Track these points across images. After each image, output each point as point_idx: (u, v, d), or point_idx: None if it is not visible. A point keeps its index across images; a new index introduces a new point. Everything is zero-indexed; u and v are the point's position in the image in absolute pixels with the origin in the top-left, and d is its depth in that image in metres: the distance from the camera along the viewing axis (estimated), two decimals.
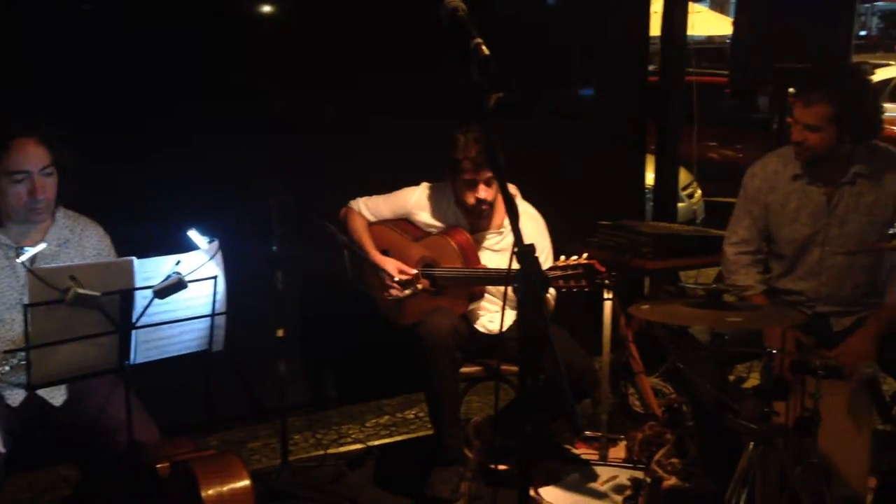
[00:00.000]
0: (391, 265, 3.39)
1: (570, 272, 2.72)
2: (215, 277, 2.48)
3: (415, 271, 3.36)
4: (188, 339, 2.50)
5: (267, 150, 3.70)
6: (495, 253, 3.35)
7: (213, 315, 2.50)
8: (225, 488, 2.60)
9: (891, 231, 2.63)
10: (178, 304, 2.41)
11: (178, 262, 2.36)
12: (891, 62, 12.62)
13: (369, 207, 3.51)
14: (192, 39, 3.57)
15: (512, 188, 3.38)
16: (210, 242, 2.53)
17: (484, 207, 3.26)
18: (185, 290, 2.35)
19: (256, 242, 3.27)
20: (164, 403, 3.05)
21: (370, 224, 3.51)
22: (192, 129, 3.56)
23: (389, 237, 3.47)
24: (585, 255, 2.77)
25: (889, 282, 2.98)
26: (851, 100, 2.90)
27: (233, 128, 3.63)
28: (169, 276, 2.32)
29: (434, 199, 3.42)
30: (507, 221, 3.30)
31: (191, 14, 3.57)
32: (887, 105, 10.40)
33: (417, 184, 3.48)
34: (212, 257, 2.47)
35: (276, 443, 3.69)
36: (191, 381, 3.65)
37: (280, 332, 3.32)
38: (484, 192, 3.22)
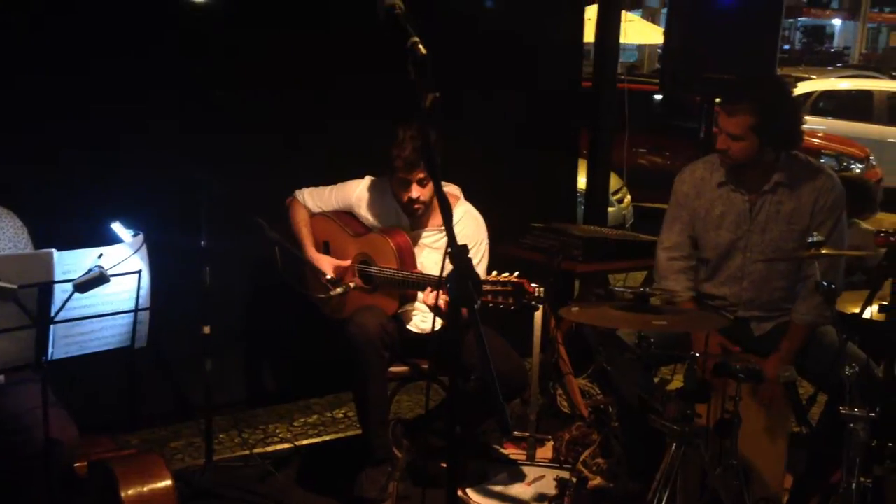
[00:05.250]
0: (326, 263, 3.36)
1: (499, 288, 2.72)
2: (139, 272, 2.42)
3: (347, 263, 3.34)
4: (110, 334, 2.43)
5: (198, 145, 3.62)
6: (434, 250, 3.35)
7: (136, 311, 2.44)
8: (145, 488, 2.54)
9: (809, 240, 2.69)
10: (99, 298, 2.34)
11: (100, 256, 2.30)
12: (812, 76, 13.07)
13: (314, 198, 3.49)
14: (125, 28, 3.47)
15: (456, 189, 3.39)
16: (134, 236, 2.47)
17: (416, 206, 3.25)
18: (108, 284, 2.29)
19: (184, 237, 3.20)
20: (84, 401, 2.95)
21: (313, 215, 3.48)
22: (120, 121, 3.46)
23: (331, 229, 3.45)
24: (517, 273, 2.77)
25: (798, 298, 3.05)
26: (773, 111, 2.98)
27: (164, 122, 3.54)
28: (90, 270, 2.26)
29: (376, 193, 3.40)
30: None
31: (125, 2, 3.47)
32: (808, 117, 10.79)
33: (362, 177, 3.46)
34: (136, 251, 2.40)
35: (200, 442, 3.62)
36: (113, 378, 3.56)
37: (206, 329, 3.27)
38: (417, 192, 3.22)
